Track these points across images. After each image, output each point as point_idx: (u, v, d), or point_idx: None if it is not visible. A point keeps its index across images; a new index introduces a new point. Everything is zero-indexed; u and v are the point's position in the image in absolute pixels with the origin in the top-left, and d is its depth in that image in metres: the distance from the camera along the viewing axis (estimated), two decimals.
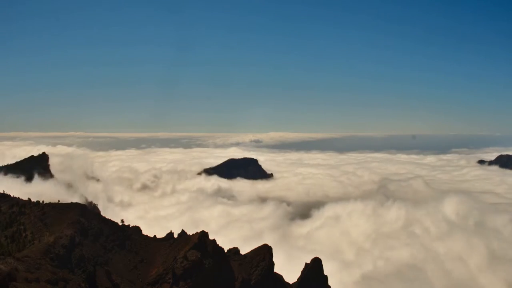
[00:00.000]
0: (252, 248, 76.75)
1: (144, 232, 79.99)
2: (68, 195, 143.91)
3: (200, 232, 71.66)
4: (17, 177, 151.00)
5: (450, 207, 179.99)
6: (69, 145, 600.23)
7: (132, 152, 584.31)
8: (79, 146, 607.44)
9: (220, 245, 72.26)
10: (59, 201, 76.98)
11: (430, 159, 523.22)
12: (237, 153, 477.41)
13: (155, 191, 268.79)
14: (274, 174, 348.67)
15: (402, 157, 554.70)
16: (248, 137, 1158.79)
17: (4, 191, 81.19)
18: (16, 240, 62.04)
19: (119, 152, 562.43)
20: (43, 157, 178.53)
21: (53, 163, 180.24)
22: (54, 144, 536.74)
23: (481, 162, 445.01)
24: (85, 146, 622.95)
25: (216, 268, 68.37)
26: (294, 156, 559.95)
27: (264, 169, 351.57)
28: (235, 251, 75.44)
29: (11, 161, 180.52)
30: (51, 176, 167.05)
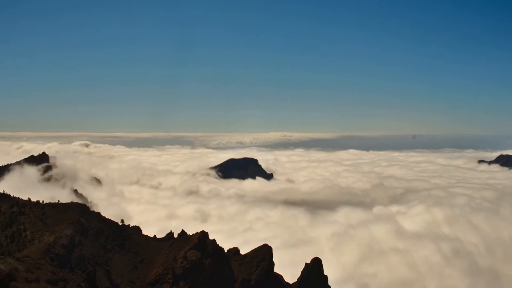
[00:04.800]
0: (252, 248, 76.77)
1: (145, 232, 79.97)
2: (68, 194, 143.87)
3: (200, 232, 71.69)
4: (18, 176, 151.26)
5: None
6: (70, 144, 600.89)
7: (133, 152, 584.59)
8: (80, 146, 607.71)
9: (220, 245, 72.29)
10: (59, 201, 76.92)
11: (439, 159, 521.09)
12: (237, 153, 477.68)
13: (156, 190, 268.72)
14: (274, 174, 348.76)
15: (402, 156, 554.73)
16: (248, 136, 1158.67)
17: (4, 191, 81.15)
18: (16, 240, 62.09)
19: (121, 152, 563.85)
20: (43, 157, 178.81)
21: (53, 162, 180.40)
22: (56, 144, 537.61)
23: (481, 161, 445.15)
24: (86, 146, 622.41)
25: (216, 268, 68.38)
26: (294, 155, 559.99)
27: (264, 169, 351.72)
28: (235, 251, 75.44)
29: (12, 160, 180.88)
30: (51, 175, 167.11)
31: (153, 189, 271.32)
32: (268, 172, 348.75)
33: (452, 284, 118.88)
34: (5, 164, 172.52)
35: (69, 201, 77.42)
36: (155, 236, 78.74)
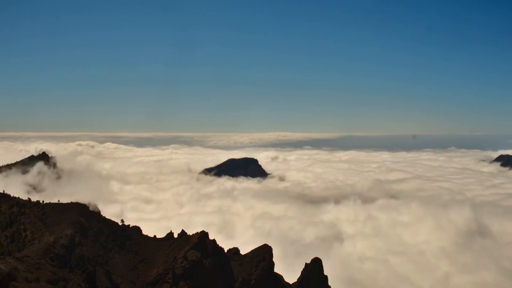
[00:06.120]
0: (253, 248, 76.72)
1: (145, 232, 79.90)
2: (68, 194, 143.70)
3: (200, 232, 71.63)
4: (17, 176, 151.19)
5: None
6: (72, 144, 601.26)
7: (132, 151, 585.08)
8: (82, 145, 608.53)
9: (220, 245, 72.24)
10: (59, 201, 76.90)
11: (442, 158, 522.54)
12: (237, 153, 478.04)
13: (157, 190, 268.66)
14: (274, 174, 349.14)
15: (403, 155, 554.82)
16: (247, 137, 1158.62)
17: (4, 191, 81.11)
18: (16, 240, 62.13)
19: (122, 151, 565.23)
20: (43, 157, 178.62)
21: (53, 162, 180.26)
22: (57, 144, 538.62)
23: (481, 161, 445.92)
24: (88, 145, 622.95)
25: (216, 268, 68.35)
26: (294, 155, 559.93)
27: (264, 168, 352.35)
28: (235, 251, 75.37)
29: (12, 160, 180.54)
30: (51, 175, 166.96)
31: (153, 189, 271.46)
32: (268, 172, 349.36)
33: None
34: (6, 163, 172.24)
35: (69, 201, 77.29)
36: (155, 236, 78.67)
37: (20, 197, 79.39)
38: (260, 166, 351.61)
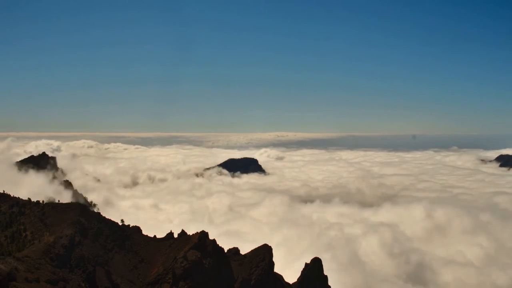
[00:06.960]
0: (253, 248, 76.73)
1: (147, 232, 79.87)
2: (68, 194, 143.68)
3: (200, 232, 71.69)
4: (18, 176, 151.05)
5: None
6: (73, 144, 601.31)
7: (131, 151, 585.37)
8: (83, 146, 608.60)
9: (219, 245, 72.27)
10: (59, 201, 76.90)
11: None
12: (236, 153, 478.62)
13: (156, 189, 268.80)
14: (273, 173, 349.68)
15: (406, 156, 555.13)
16: (247, 136, 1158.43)
17: (4, 191, 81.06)
18: (16, 240, 62.12)
19: (123, 151, 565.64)
20: (43, 157, 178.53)
21: (53, 162, 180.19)
22: (60, 143, 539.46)
23: (481, 161, 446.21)
24: (89, 146, 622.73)
25: (216, 268, 68.39)
26: (293, 155, 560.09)
27: (264, 168, 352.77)
28: (235, 251, 75.40)
29: (13, 160, 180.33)
30: (52, 175, 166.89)
31: (153, 188, 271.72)
32: (267, 171, 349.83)
33: None
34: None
35: (69, 201, 77.39)
36: (155, 236, 78.63)
37: (20, 197, 79.35)
38: (259, 165, 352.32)
